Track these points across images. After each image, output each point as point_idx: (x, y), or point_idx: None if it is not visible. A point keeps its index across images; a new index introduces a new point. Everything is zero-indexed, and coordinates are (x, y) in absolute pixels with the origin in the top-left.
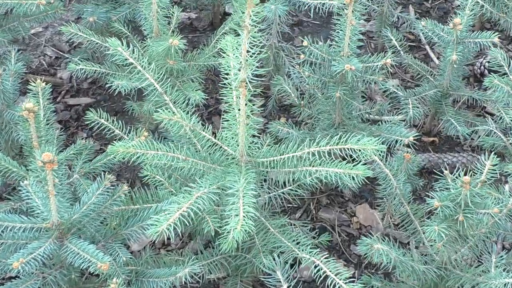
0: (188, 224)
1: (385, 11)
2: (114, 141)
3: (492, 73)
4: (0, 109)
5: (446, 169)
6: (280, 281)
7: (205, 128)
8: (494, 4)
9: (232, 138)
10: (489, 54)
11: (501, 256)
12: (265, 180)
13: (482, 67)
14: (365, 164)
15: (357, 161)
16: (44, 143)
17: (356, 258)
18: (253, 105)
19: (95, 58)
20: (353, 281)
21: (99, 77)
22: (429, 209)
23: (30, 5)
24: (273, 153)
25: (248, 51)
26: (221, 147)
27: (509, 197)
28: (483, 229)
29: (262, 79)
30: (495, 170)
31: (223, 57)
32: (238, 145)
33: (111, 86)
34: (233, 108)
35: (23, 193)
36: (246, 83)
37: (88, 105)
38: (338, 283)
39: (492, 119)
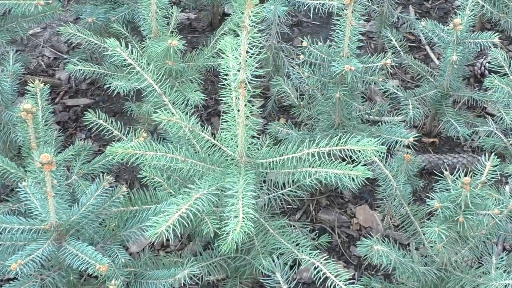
0: (187, 226)
1: (385, 12)
2: (112, 142)
3: (492, 74)
4: None
5: (446, 170)
6: (279, 283)
7: (204, 129)
8: (494, 5)
9: (232, 139)
10: (489, 54)
11: (502, 258)
12: (264, 181)
13: (482, 67)
14: (365, 165)
15: (357, 162)
16: (42, 144)
17: (356, 259)
18: (253, 106)
19: (93, 58)
20: (353, 283)
21: (98, 78)
22: (429, 210)
23: (28, 6)
24: (273, 154)
25: (247, 52)
26: (220, 148)
27: (509, 198)
28: (484, 230)
29: (262, 79)
30: (496, 171)
31: (222, 57)
32: (237, 146)
33: (110, 87)
34: (233, 109)
35: (22, 194)
36: (246, 83)
37: (87, 106)
38: (338, 284)
39: (493, 120)
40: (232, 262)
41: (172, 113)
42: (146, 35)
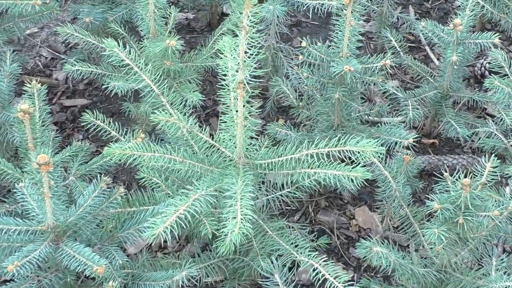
0: (185, 227)
1: (384, 12)
2: (110, 143)
3: (492, 74)
4: None
5: (446, 171)
6: (278, 285)
7: (202, 129)
8: (494, 5)
9: (230, 140)
10: (489, 55)
11: (502, 259)
12: (263, 182)
13: (482, 68)
14: (364, 166)
15: (356, 163)
16: (39, 145)
17: (355, 261)
18: (251, 106)
19: (91, 59)
20: (352, 284)
21: (95, 78)
22: (429, 211)
23: (25, 6)
24: (271, 155)
25: (246, 52)
26: (218, 149)
27: (509, 199)
28: (484, 231)
29: (260, 80)
30: (496, 172)
31: (221, 58)
32: (235, 147)
33: (108, 87)
34: (231, 110)
35: (18, 195)
36: (244, 84)
37: (84, 107)
38: (337, 286)
39: (493, 121)
40: (230, 264)
41: (170, 114)
42: (144, 35)
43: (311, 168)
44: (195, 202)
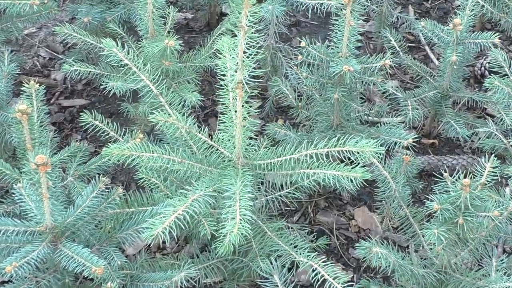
0: (184, 228)
1: (384, 11)
2: (109, 143)
3: (492, 74)
4: None
5: (445, 172)
6: (277, 285)
7: (201, 130)
8: (494, 4)
9: (229, 140)
10: (489, 55)
11: (502, 260)
12: (262, 183)
13: (482, 68)
14: (363, 166)
15: (355, 163)
16: (37, 145)
17: (354, 261)
18: (250, 106)
19: (89, 59)
20: (351, 285)
21: (94, 79)
22: (428, 212)
23: (23, 5)
24: (270, 156)
25: (245, 52)
26: (217, 149)
27: (509, 200)
28: (484, 232)
29: (259, 80)
30: (496, 172)
31: (220, 58)
32: (234, 147)
33: (106, 87)
34: (230, 110)
35: (16, 196)
36: (243, 84)
37: (83, 107)
38: (336, 287)
39: (493, 121)
40: (229, 265)
41: (169, 114)
42: (143, 35)
43: (310, 169)
44: (194, 202)
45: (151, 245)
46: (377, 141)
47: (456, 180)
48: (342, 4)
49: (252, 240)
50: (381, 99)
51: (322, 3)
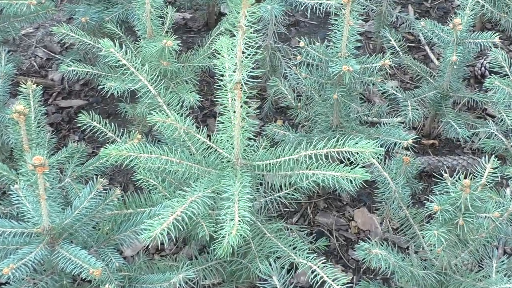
0: (182, 229)
1: (383, 11)
2: (106, 144)
3: (492, 74)
4: None
5: (446, 172)
6: (276, 287)
7: (199, 130)
8: (494, 4)
9: (227, 141)
10: (489, 55)
11: (502, 261)
12: (261, 184)
13: (482, 68)
14: (363, 167)
15: (355, 164)
16: (35, 146)
17: (354, 263)
18: (249, 107)
19: (87, 59)
20: (351, 287)
21: (91, 79)
22: (428, 213)
23: (20, 5)
24: (269, 156)
25: (243, 52)
26: (216, 150)
27: (510, 200)
28: (484, 233)
29: (258, 80)
30: (496, 173)
31: (218, 58)
32: (233, 148)
33: (104, 88)
34: (228, 110)
35: (14, 197)
36: (242, 84)
37: (80, 107)
38: None
39: (493, 121)
40: (228, 266)
41: (167, 115)
42: (141, 35)
43: (310, 169)
44: (193, 204)
45: (149, 247)
46: (376, 142)
47: (456, 181)
48: (342, 4)
49: (251, 241)
50: (380, 100)
51: (321, 3)
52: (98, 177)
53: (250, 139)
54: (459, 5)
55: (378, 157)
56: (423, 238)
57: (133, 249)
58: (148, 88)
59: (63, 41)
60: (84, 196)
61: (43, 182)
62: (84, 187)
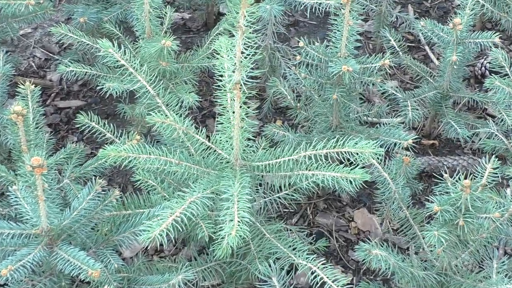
0: (181, 230)
1: (383, 11)
2: (105, 145)
3: (493, 74)
4: None
5: (446, 173)
6: None
7: (198, 131)
8: (495, 4)
9: (227, 141)
10: (490, 54)
11: (503, 262)
12: (260, 185)
13: (483, 68)
14: (363, 167)
15: (354, 164)
16: (33, 147)
17: (354, 264)
18: (248, 107)
19: (85, 59)
20: None
21: (90, 79)
22: (428, 213)
23: (18, 6)
24: (269, 157)
25: (242, 52)
26: (215, 150)
27: (510, 201)
28: (484, 234)
29: (257, 81)
30: (496, 173)
31: (217, 58)
32: (232, 149)
33: (102, 88)
34: (228, 111)
35: (12, 198)
36: (241, 85)
37: (79, 108)
38: None
39: (493, 121)
40: (227, 267)
41: (166, 115)
42: (139, 36)
43: (309, 170)
44: (192, 204)
45: (149, 248)
46: (376, 142)
47: (457, 181)
48: (341, 4)
49: (251, 242)
50: (380, 100)
51: (320, 3)
52: (97, 178)
53: (249, 139)
54: (459, 5)
55: (378, 158)
56: (423, 238)
57: (132, 250)
58: (147, 88)
59: (61, 42)
60: (82, 197)
61: (42, 183)
62: (82, 188)
